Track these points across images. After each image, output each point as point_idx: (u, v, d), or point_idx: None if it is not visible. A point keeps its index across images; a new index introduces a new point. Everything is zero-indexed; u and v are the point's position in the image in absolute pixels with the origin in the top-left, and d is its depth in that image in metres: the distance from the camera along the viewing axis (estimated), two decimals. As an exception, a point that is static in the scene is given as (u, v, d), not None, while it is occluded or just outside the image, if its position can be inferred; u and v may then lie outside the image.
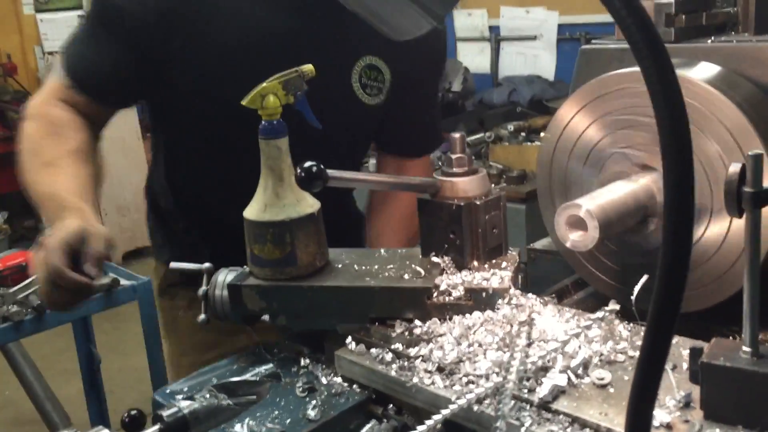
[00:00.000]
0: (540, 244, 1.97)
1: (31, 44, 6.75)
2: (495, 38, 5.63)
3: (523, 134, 3.91)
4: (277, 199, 1.41)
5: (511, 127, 3.92)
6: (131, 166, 6.71)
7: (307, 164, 1.19)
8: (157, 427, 1.22)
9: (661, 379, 0.73)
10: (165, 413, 1.22)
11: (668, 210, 0.67)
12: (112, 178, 6.61)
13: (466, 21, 6.27)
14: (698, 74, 1.37)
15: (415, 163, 2.07)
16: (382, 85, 1.88)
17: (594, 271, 1.53)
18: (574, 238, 1.28)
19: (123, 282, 2.83)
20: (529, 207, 3.37)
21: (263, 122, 1.39)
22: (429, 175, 1.46)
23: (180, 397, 1.32)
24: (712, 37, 1.49)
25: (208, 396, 1.28)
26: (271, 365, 1.40)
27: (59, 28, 6.86)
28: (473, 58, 5.89)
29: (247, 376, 1.36)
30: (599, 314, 1.25)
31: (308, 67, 1.43)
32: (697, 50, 1.45)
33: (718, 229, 1.32)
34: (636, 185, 1.37)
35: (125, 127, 6.61)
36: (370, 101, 1.86)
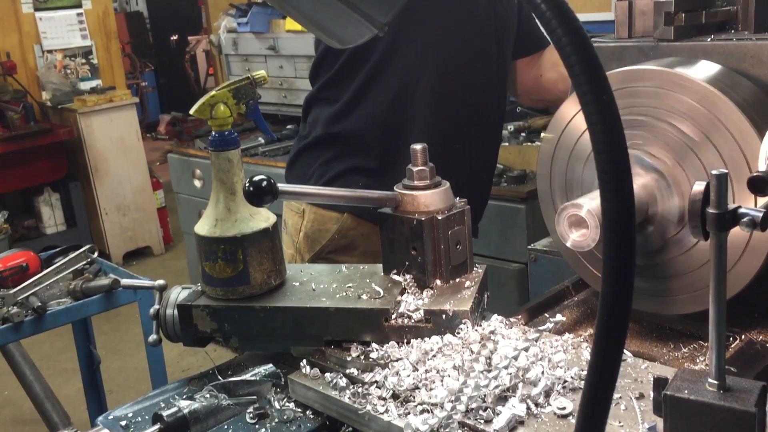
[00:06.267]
0: (540, 244, 1.97)
1: (31, 43, 6.74)
2: (495, 37, 5.63)
3: (523, 134, 3.90)
4: (228, 214, 1.34)
5: (511, 127, 3.91)
6: (131, 166, 6.71)
7: (257, 178, 1.12)
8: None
9: (606, 418, 0.68)
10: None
11: (608, 233, 0.64)
12: (112, 178, 6.62)
13: (465, 20, 6.22)
14: (698, 73, 1.37)
15: (549, 51, 2.31)
16: None
17: (594, 271, 1.52)
18: (574, 238, 1.28)
19: (123, 282, 2.82)
20: (529, 207, 3.35)
21: (213, 133, 1.32)
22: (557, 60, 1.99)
23: (123, 423, 1.29)
24: (712, 36, 1.49)
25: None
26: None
27: (58, 26, 6.85)
28: (473, 57, 5.86)
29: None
30: (566, 337, 1.23)
31: (260, 74, 1.37)
32: (697, 49, 1.45)
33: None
34: (636, 185, 1.36)
35: (125, 127, 6.60)
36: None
